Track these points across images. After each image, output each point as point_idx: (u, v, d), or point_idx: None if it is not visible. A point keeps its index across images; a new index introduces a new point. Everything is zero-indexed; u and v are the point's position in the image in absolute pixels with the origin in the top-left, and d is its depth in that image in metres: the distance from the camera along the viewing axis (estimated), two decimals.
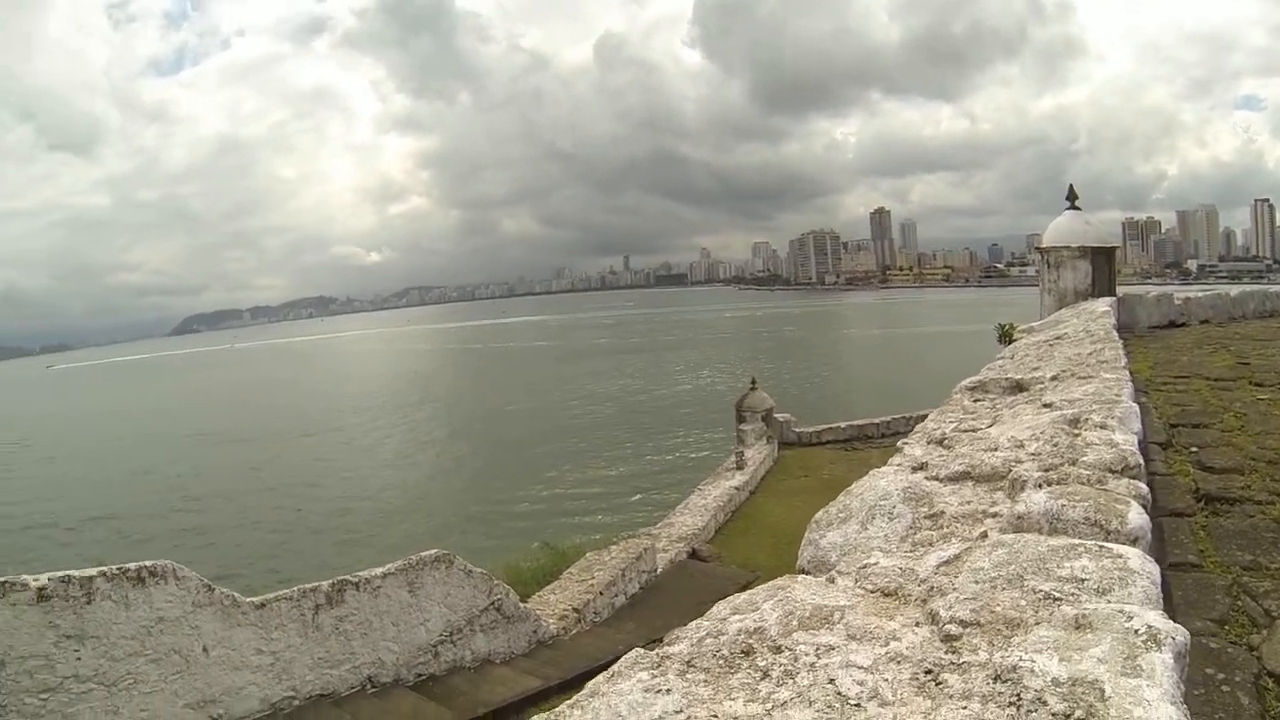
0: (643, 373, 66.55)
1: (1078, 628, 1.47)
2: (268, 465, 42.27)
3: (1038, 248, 16.22)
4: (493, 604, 11.02)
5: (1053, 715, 1.23)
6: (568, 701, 1.58)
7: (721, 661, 1.64)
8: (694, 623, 1.87)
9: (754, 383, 21.63)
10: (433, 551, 10.58)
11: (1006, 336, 12.07)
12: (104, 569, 8.43)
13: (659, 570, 12.48)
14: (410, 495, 33.84)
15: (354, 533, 28.35)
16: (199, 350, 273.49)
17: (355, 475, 37.90)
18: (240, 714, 7.51)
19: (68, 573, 8.16)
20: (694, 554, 13.70)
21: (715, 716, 1.45)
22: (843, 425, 22.24)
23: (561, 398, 53.75)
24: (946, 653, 1.52)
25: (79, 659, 8.06)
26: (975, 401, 4.85)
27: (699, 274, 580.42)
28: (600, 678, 1.65)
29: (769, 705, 1.47)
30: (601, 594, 11.12)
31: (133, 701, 8.35)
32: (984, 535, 2.26)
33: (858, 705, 1.41)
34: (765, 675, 1.57)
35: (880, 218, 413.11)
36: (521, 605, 10.96)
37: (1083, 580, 1.68)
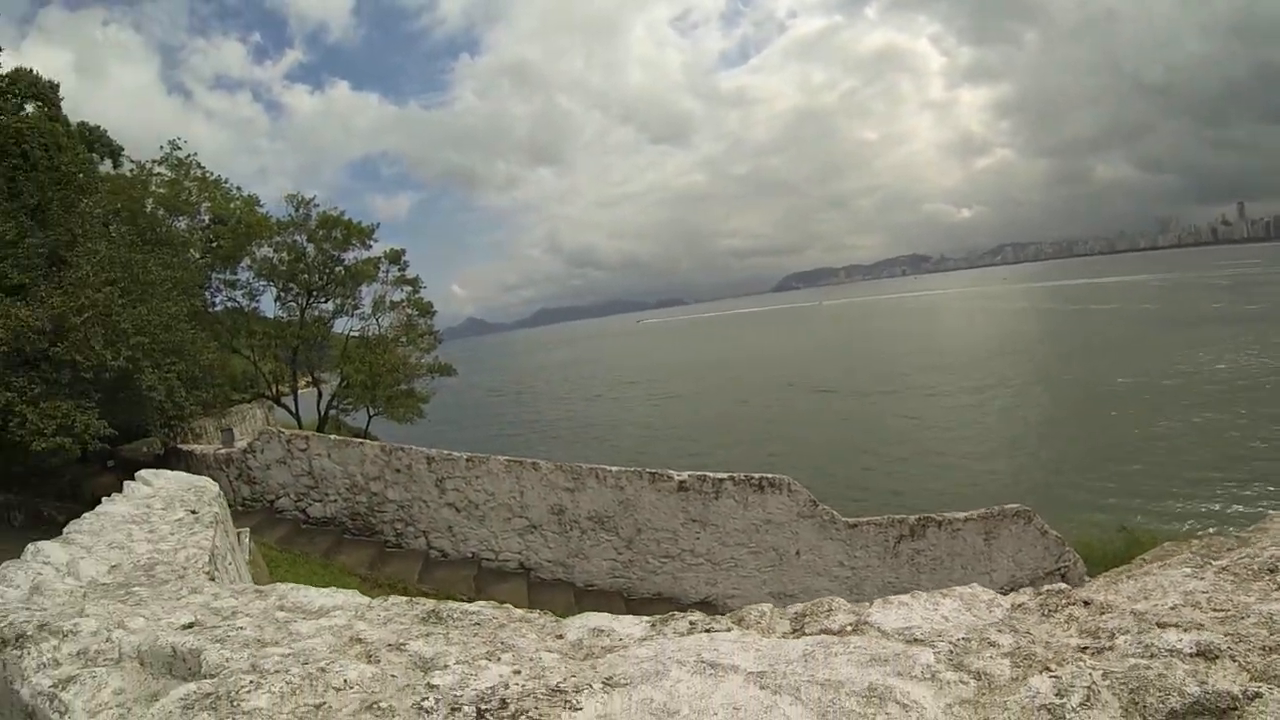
0: (1266, 345, 53.02)
1: None
2: (853, 413, 43.75)
3: None
4: (1059, 569, 11.20)
5: None
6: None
7: None
8: None
9: None
10: (1014, 506, 11.36)
11: None
12: (733, 475, 11.72)
13: None
14: (993, 449, 33.19)
15: (933, 472, 29.33)
16: (788, 307, 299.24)
17: (938, 426, 38.05)
18: None
19: (704, 473, 11.74)
20: None
21: None
22: None
23: (1159, 368, 46.59)
24: None
25: (698, 539, 11.68)
26: None
27: None
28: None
29: None
30: None
31: (729, 579, 11.64)
32: None
33: None
34: None
35: None
36: (1086, 579, 10.94)
37: None
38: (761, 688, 1.50)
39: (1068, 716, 1.35)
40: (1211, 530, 12.65)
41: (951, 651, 1.62)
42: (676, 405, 55.78)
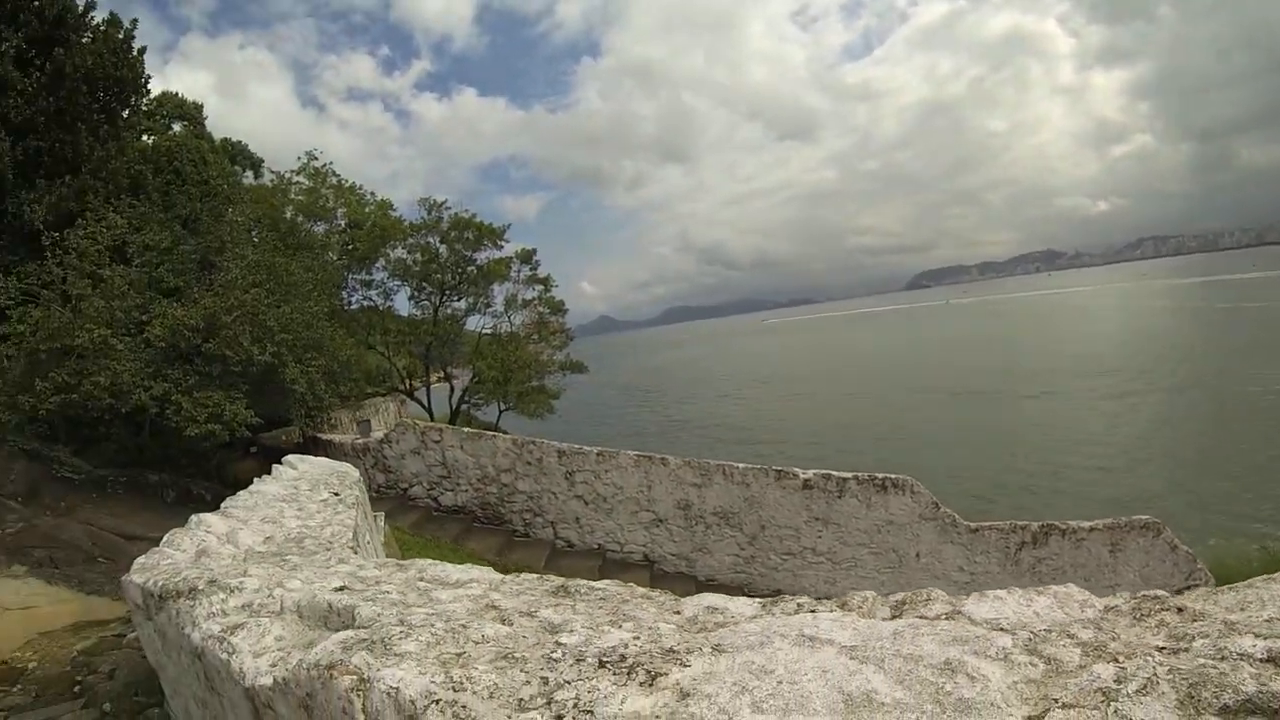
0: None
1: None
2: (979, 415, 43.00)
3: None
4: (1188, 587, 10.72)
5: None
6: None
7: None
8: None
9: None
10: (1143, 517, 10.88)
11: None
12: (857, 474, 11.66)
13: None
14: (1126, 457, 31.58)
15: (1061, 481, 28.22)
16: (915, 306, 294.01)
17: (1068, 430, 36.31)
18: None
19: (830, 471, 11.68)
20: None
21: None
22: None
23: None
24: None
25: (819, 537, 11.65)
26: None
27: None
28: None
29: None
30: None
31: (848, 579, 11.52)
32: None
33: None
34: None
35: None
36: None
37: None
38: (851, 658, 1.61)
39: (1121, 699, 1.40)
40: None
41: (1030, 640, 1.69)
42: (800, 404, 55.32)
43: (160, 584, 3.28)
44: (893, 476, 11.44)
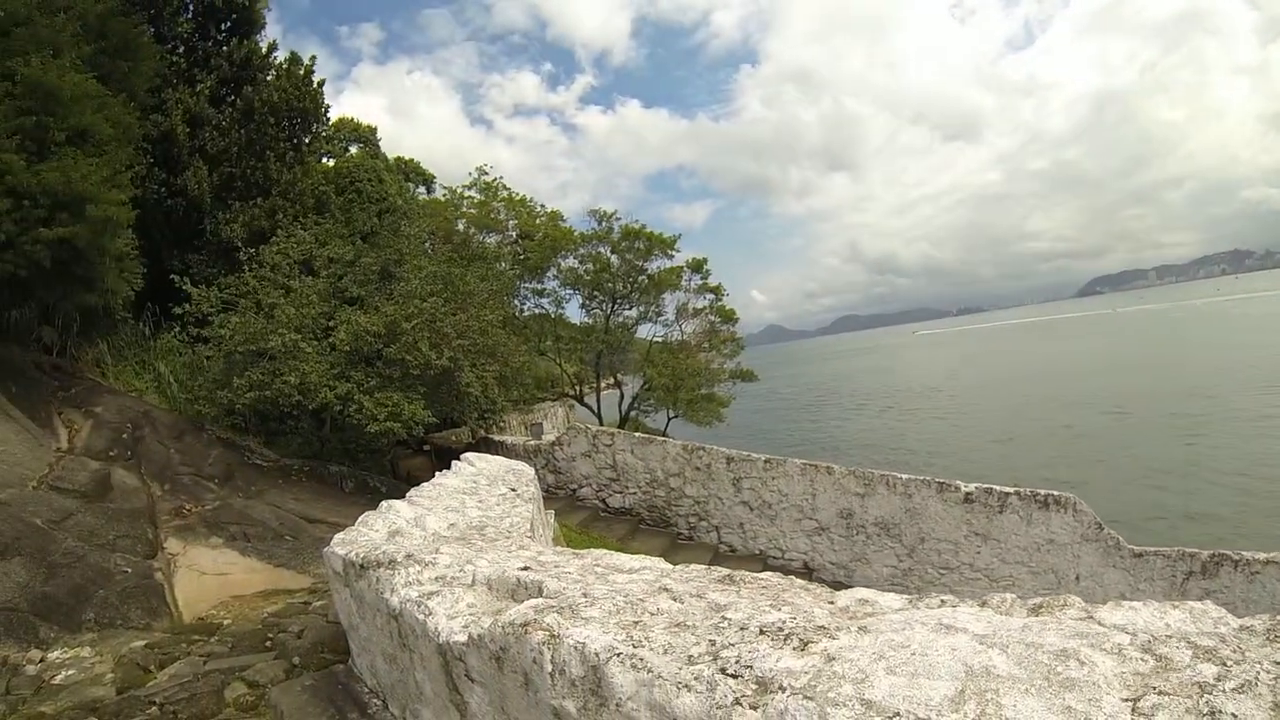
0: None
1: None
2: (1147, 434, 39.49)
3: None
4: None
5: None
6: None
7: None
8: None
9: None
10: None
11: None
12: (1019, 489, 11.28)
13: None
14: None
15: (1239, 510, 25.66)
16: (1081, 315, 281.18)
17: (1246, 453, 32.88)
18: None
19: (991, 485, 11.32)
20: None
21: None
22: None
23: None
24: None
25: (978, 553, 11.31)
26: None
27: None
28: None
29: None
30: None
31: None
32: None
33: None
34: None
35: None
36: None
37: None
38: (980, 643, 1.72)
39: (1215, 693, 1.46)
40: None
41: (1149, 641, 1.74)
42: (960, 418, 53.26)
43: (361, 555, 3.67)
44: (1055, 493, 10.89)
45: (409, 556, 3.25)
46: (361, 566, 3.59)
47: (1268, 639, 1.75)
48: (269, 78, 16.98)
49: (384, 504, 4.80)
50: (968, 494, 11.23)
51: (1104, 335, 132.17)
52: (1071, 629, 1.80)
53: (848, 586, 9.75)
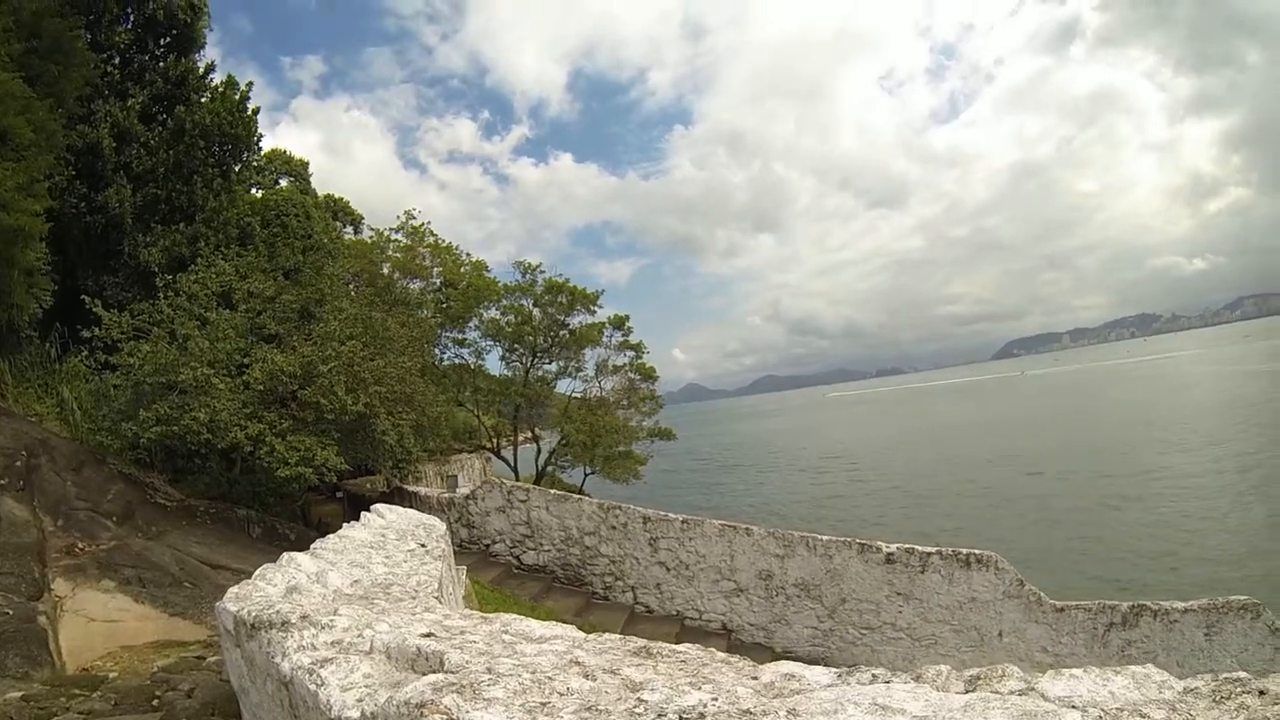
0: None
1: None
2: (1062, 491, 41.29)
3: None
4: None
5: None
6: None
7: None
8: None
9: None
10: (1241, 598, 10.36)
11: None
12: (940, 549, 11.43)
13: None
14: (1226, 535, 29.47)
15: (1153, 561, 27.06)
16: (986, 378, 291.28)
17: (1159, 507, 34.74)
18: None
19: (913, 546, 11.48)
20: None
21: None
22: None
23: None
24: None
25: (900, 612, 11.40)
26: None
27: None
28: None
29: None
30: None
31: (927, 656, 11.17)
32: None
33: None
34: None
35: None
36: None
37: None
38: None
39: None
40: None
41: (1100, 717, 1.70)
42: (876, 479, 54.41)
43: (254, 614, 3.41)
44: (976, 552, 11.16)
45: (304, 617, 3.03)
46: (253, 626, 3.35)
47: (1213, 701, 1.74)
48: (204, 99, 16.60)
49: (285, 556, 4.54)
50: (889, 554, 11.37)
51: (1019, 397, 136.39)
52: (1018, 707, 1.73)
53: (767, 648, 9.82)
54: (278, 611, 3.17)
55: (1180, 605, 10.38)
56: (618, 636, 2.92)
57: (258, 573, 4.29)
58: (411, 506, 11.42)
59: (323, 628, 2.94)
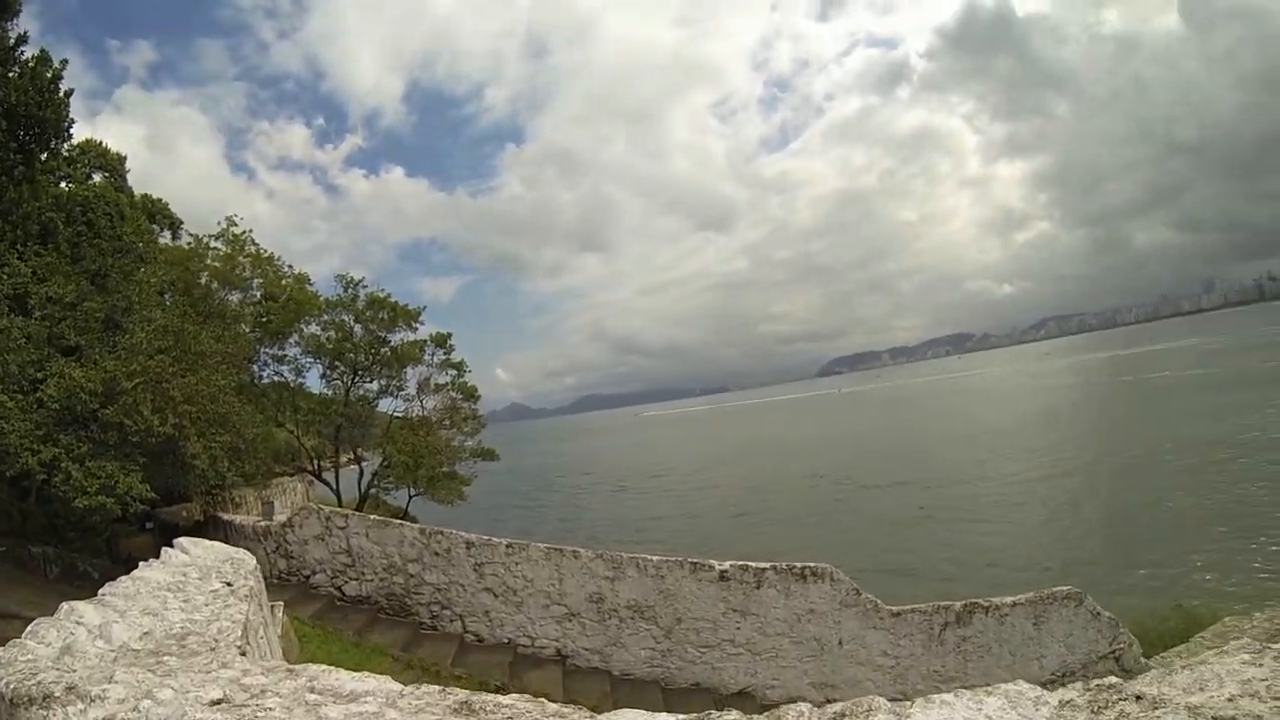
0: None
1: None
2: (887, 500, 43.54)
3: None
4: (1113, 652, 10.84)
5: None
6: None
7: None
8: None
9: None
10: (1064, 588, 11.09)
11: None
12: (775, 564, 11.58)
13: None
14: (1041, 530, 32.93)
15: (979, 557, 28.93)
16: (805, 396, 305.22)
17: (981, 510, 37.47)
18: None
19: (747, 562, 11.56)
20: None
21: None
22: None
23: (1222, 435, 45.06)
24: None
25: (738, 628, 11.49)
26: None
27: None
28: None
29: None
30: None
31: (769, 669, 11.42)
32: None
33: None
34: None
35: None
36: (1143, 661, 10.57)
37: None
38: None
39: None
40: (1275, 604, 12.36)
41: None
42: (703, 495, 55.96)
43: (13, 687, 2.91)
44: (812, 565, 11.47)
45: (71, 689, 2.61)
46: (12, 702, 2.83)
47: (1092, 712, 1.75)
48: (11, 74, 14.75)
49: (64, 607, 3.98)
50: (723, 572, 11.49)
51: (840, 412, 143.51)
52: None
53: (605, 672, 9.75)
54: (39, 682, 2.71)
55: (1009, 600, 11.05)
56: (436, 690, 2.75)
57: (29, 629, 3.74)
58: (227, 536, 10.76)
59: (92, 701, 2.53)
